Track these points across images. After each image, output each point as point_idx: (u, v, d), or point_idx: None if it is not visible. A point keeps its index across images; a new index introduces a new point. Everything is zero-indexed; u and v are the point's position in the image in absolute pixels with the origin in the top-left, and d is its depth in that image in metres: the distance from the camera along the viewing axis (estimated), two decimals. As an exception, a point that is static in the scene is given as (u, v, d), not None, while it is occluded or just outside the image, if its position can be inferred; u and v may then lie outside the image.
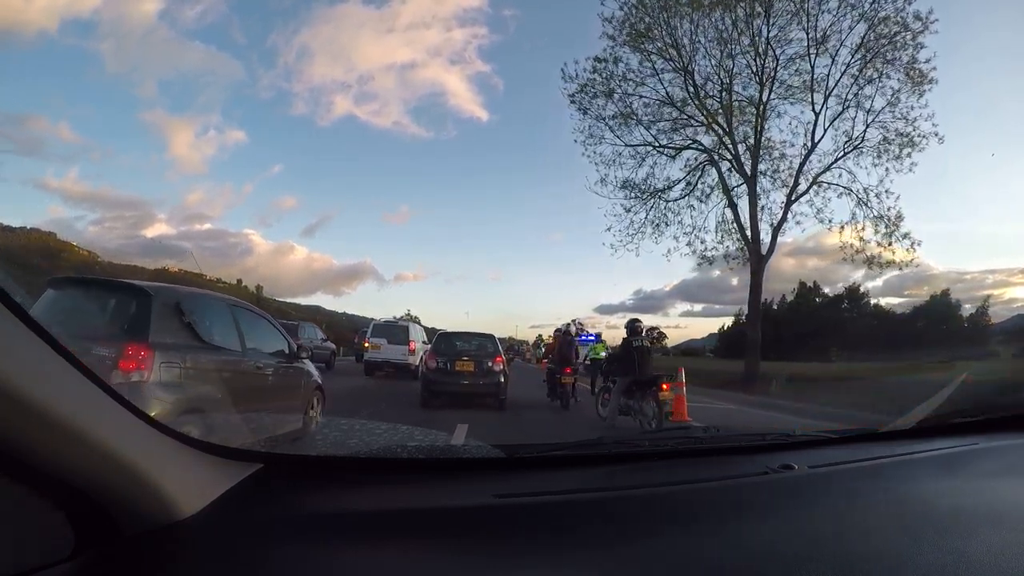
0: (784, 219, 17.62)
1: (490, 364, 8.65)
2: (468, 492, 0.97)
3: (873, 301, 50.07)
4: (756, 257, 17.41)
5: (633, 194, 19.13)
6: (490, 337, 9.66)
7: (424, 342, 14.05)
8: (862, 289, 48.27)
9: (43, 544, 0.68)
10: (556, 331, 11.56)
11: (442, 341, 9.37)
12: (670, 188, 19.21)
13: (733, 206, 18.21)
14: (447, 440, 1.19)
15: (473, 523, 0.85)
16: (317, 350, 11.41)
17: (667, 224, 19.11)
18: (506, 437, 6.49)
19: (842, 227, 17.36)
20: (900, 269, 17.36)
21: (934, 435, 1.57)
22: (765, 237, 17.61)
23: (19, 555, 0.66)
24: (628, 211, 19.08)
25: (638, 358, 6.72)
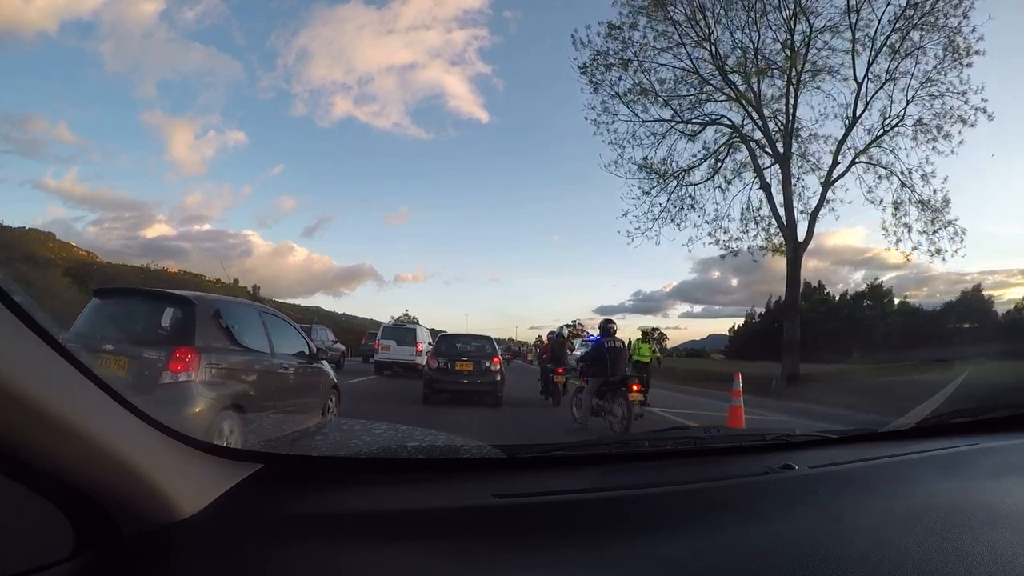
0: (821, 203, 15.81)
1: (488, 364, 9.24)
2: (468, 492, 0.97)
3: (898, 298, 48.51)
4: (792, 245, 15.61)
5: (651, 176, 17.32)
6: (488, 339, 10.28)
7: (430, 343, 14.72)
8: (886, 286, 46.91)
9: (43, 544, 0.68)
10: (550, 334, 12.00)
11: (443, 343, 9.95)
12: (693, 169, 17.25)
13: (766, 187, 16.26)
14: (447, 440, 1.19)
15: (473, 523, 0.85)
16: (329, 351, 12.03)
17: (691, 207, 17.26)
18: (502, 427, 7.18)
19: (896, 206, 15.48)
20: (943, 260, 15.96)
21: (934, 435, 1.57)
22: (796, 225, 15.74)
23: (19, 555, 0.66)
24: (647, 193, 17.24)
25: (610, 359, 6.77)
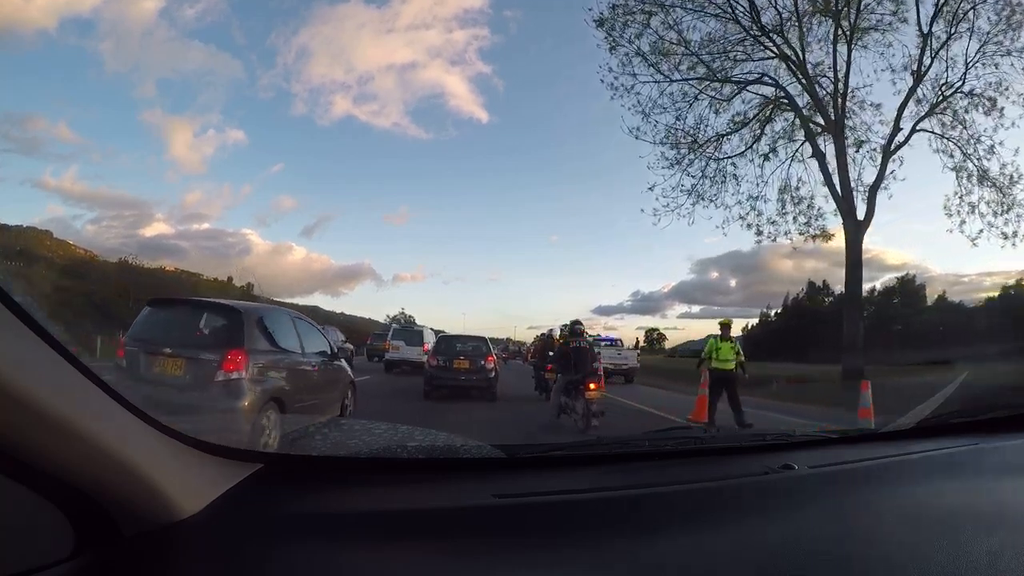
0: (882, 176, 13.26)
1: (483, 362, 9.97)
2: (467, 492, 0.97)
3: (934, 293, 45.02)
4: (852, 223, 13.12)
5: (682, 143, 14.69)
6: (483, 339, 10.98)
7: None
8: (918, 281, 43.65)
9: (43, 544, 0.68)
10: (540, 335, 12.87)
11: (442, 343, 10.69)
12: (728, 136, 14.59)
13: (819, 155, 13.40)
14: (447, 440, 1.19)
15: (472, 523, 0.85)
16: (339, 350, 12.94)
17: (724, 180, 14.65)
18: (497, 418, 7.87)
19: (964, 178, 12.82)
20: (1013, 246, 13.76)
21: (934, 435, 1.57)
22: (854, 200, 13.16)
23: (19, 555, 0.66)
24: (678, 163, 14.70)
25: (574, 358, 7.07)
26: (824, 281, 50.46)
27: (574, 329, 7.53)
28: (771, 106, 14.61)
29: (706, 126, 14.85)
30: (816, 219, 14.78)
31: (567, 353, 7.24)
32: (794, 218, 14.92)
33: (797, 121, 14.45)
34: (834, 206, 14.01)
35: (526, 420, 7.73)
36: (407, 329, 18.16)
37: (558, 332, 12.37)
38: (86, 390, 0.62)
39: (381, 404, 8.30)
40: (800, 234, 14.90)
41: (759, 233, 15.34)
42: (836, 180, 13.58)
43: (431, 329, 17.84)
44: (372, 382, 12.24)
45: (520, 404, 9.57)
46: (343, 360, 6.25)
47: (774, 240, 15.30)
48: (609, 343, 19.92)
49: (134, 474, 0.66)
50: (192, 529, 0.72)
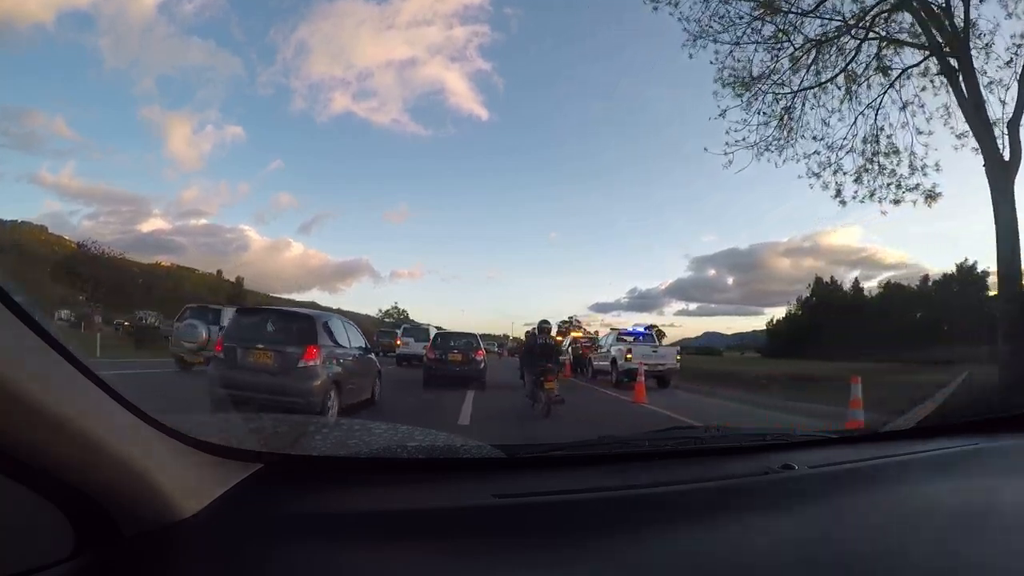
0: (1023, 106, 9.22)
1: (474, 356, 11.82)
2: (467, 492, 0.97)
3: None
4: (997, 165, 9.38)
5: (748, 68, 11.15)
6: (474, 336, 12.90)
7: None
8: (979, 269, 38.24)
9: (43, 544, 0.68)
10: (527, 333, 13.25)
11: (439, 339, 12.61)
12: (809, 58, 10.85)
13: (949, 72, 9.72)
14: (447, 440, 1.19)
15: (472, 523, 0.85)
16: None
17: (803, 116, 11.03)
18: (483, 404, 8.92)
19: None
20: None
21: (934, 435, 1.57)
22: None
23: (19, 555, 0.66)
24: (748, 88, 11.18)
25: (540, 353, 8.27)
26: (831, 277, 48.02)
27: (541, 327, 8.66)
28: (873, 13, 10.54)
29: (779, 51, 11.14)
30: (906, 179, 11.10)
31: (533, 349, 8.50)
32: (891, 171, 11.10)
33: (910, 36, 10.49)
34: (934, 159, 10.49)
35: (508, 404, 8.96)
36: (416, 328, 21.94)
37: (555, 328, 12.65)
38: (86, 390, 0.62)
39: (393, 390, 9.66)
40: (896, 192, 11.07)
41: (838, 194, 11.59)
42: (962, 114, 9.95)
43: (435, 327, 20.02)
44: (384, 373, 13.13)
45: (506, 391, 10.78)
46: (372, 353, 8.21)
47: (863, 202, 11.59)
48: (640, 337, 15.69)
49: (134, 474, 0.66)
50: (192, 529, 0.72)
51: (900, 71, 10.90)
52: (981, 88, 9.82)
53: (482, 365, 11.68)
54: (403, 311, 63.33)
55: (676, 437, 1.37)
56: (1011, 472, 1.25)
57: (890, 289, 44.67)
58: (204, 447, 0.83)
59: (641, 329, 16.23)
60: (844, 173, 11.56)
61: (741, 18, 11.14)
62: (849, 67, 11.08)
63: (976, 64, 9.89)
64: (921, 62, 10.56)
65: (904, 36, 10.64)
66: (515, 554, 0.78)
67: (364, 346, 7.68)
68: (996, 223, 9.64)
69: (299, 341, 5.90)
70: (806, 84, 11.32)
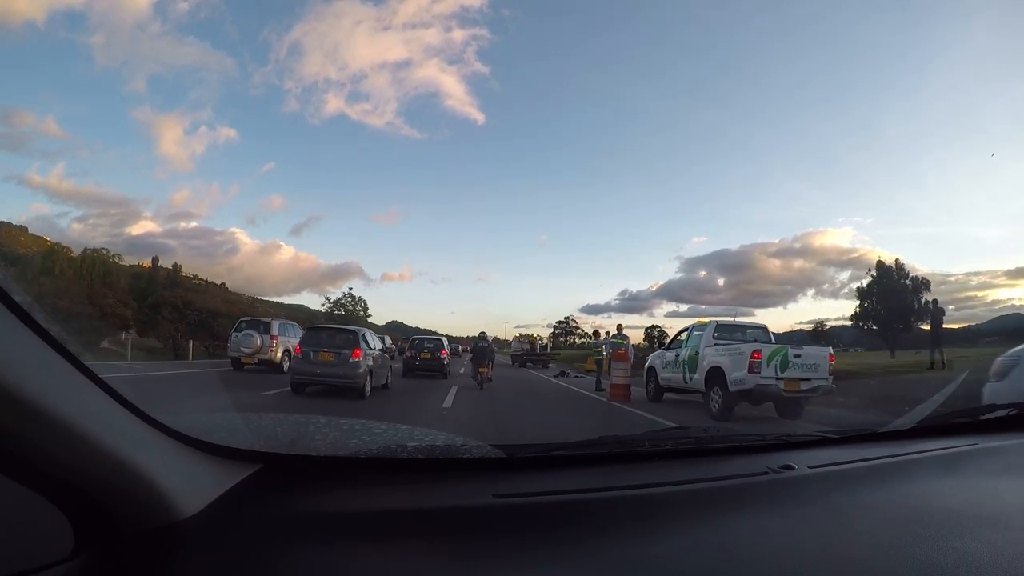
0: None
1: (439, 354, 16.58)
2: (467, 492, 0.97)
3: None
4: None
5: None
6: (442, 338, 18.02)
7: (449, 348, 20.42)
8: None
9: (43, 544, 0.68)
10: (476, 337, 15.90)
11: (415, 341, 17.65)
12: None
13: None
14: (447, 440, 1.19)
15: (472, 523, 0.85)
16: (387, 348, 18.22)
17: None
18: (440, 384, 13.93)
19: None
20: None
21: (934, 435, 1.57)
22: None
23: (19, 555, 0.66)
24: None
25: (478, 352, 13.61)
26: (896, 260, 41.07)
27: (481, 335, 14.26)
28: None
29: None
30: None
31: (476, 349, 13.89)
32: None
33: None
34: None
35: (461, 385, 13.12)
36: (426, 338, 25.61)
37: (544, 337, 16.50)
38: (86, 390, 0.62)
39: (391, 380, 12.68)
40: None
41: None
42: None
43: (444, 336, 23.30)
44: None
45: (464, 379, 14.85)
46: (389, 354, 12.63)
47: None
48: (749, 334, 9.48)
49: (134, 474, 0.66)
50: (192, 529, 0.72)
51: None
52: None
53: (445, 361, 16.64)
54: (361, 300, 56.81)
55: (676, 437, 1.36)
56: (1011, 472, 1.25)
57: (895, 287, 40.76)
58: (204, 447, 0.83)
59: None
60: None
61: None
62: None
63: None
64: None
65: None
66: (515, 554, 0.78)
67: (383, 347, 11.69)
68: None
69: (349, 346, 9.60)
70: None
